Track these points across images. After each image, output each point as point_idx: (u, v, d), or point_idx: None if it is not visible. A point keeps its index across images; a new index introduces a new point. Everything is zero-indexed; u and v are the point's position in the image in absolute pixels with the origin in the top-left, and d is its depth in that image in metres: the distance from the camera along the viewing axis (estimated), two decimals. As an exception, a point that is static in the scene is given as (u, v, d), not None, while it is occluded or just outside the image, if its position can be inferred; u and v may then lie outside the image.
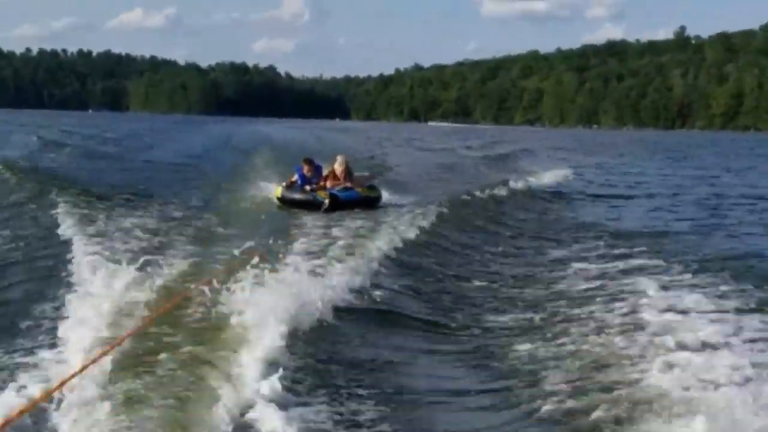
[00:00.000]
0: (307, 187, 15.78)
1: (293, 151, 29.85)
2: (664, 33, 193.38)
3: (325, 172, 16.49)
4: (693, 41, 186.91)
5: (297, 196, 15.74)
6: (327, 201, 15.02)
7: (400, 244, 11.19)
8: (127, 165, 26.95)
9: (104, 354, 5.49)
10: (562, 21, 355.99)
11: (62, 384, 4.96)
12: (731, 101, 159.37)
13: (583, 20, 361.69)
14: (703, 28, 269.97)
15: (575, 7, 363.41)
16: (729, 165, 40.77)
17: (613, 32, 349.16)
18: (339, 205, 15.09)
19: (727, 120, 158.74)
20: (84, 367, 5.13)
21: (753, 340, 6.65)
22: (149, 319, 6.55)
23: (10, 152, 27.69)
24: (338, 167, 16.45)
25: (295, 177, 16.26)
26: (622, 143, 72.72)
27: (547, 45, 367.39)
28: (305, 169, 16.25)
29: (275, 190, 16.52)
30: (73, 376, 5.02)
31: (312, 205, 15.15)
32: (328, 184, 16.08)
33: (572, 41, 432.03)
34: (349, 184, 16.11)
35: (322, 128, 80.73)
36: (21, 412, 4.53)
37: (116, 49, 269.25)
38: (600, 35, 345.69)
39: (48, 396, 4.93)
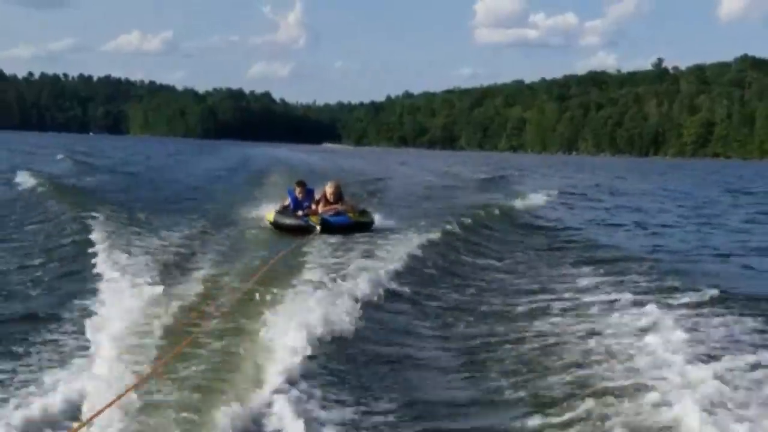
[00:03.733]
0: (299, 212, 15.93)
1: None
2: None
3: (317, 196, 16.66)
4: (671, 72, 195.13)
5: (288, 221, 15.69)
6: (318, 227, 15.07)
7: (405, 262, 11.65)
8: (154, 183, 29.14)
9: (134, 387, 5.56)
10: (555, 49, 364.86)
11: (97, 414, 5.03)
12: (702, 130, 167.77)
13: (576, 48, 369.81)
14: (689, 57, 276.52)
15: (568, 35, 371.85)
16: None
17: (606, 60, 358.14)
18: (330, 229, 15.13)
19: (698, 148, 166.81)
20: (117, 398, 5.24)
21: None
22: (175, 353, 6.45)
23: (47, 171, 30.50)
24: (329, 191, 16.60)
25: (288, 201, 16.52)
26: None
27: (540, 72, 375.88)
28: (297, 191, 16.49)
29: (267, 215, 16.63)
30: (105, 408, 5.10)
31: (303, 230, 15.03)
32: (320, 208, 16.16)
33: (565, 69, 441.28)
34: (341, 208, 16.19)
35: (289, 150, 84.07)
36: None
37: (115, 72, 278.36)
38: (592, 63, 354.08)
39: (94, 418, 5.00)
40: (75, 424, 5.10)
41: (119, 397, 5.24)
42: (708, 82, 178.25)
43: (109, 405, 5.10)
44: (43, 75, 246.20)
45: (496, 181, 41.00)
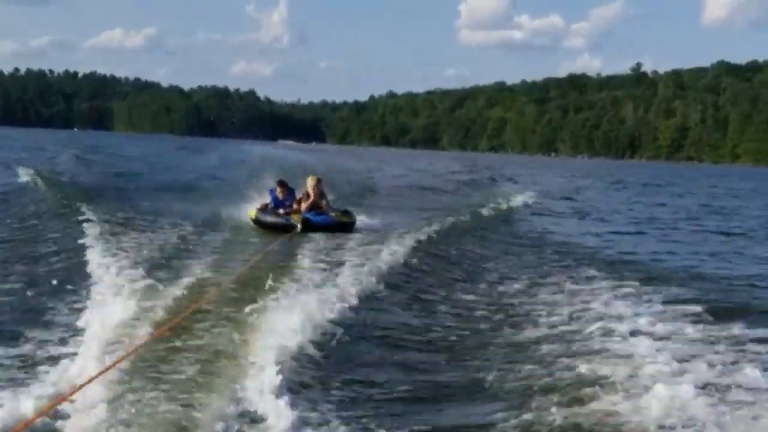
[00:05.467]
0: (281, 210, 15.81)
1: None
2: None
3: (299, 195, 16.49)
4: (650, 76, 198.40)
5: (270, 219, 15.58)
6: (299, 225, 14.96)
7: (393, 264, 11.73)
8: (147, 181, 29.13)
9: (118, 361, 5.68)
10: (540, 50, 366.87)
11: (76, 390, 5.12)
12: (676, 134, 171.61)
13: (561, 50, 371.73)
14: (673, 62, 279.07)
15: (554, 37, 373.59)
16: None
17: (592, 63, 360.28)
18: (311, 228, 15.00)
19: (672, 151, 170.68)
20: (98, 374, 5.26)
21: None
22: (159, 333, 6.60)
23: (42, 167, 29.97)
24: (310, 188, 16.41)
25: (269, 200, 16.35)
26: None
27: (525, 73, 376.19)
28: (278, 191, 16.32)
29: (249, 212, 16.36)
30: (87, 382, 5.13)
31: (285, 228, 14.91)
32: (302, 206, 16.01)
33: (550, 70, 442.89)
34: (323, 206, 16.18)
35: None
36: (36, 416, 4.74)
37: (100, 68, 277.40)
38: (578, 65, 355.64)
39: (61, 401, 5.06)
40: (59, 395, 5.34)
41: (87, 382, 5.23)
42: (684, 87, 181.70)
43: (76, 391, 5.19)
44: (28, 71, 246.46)
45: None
